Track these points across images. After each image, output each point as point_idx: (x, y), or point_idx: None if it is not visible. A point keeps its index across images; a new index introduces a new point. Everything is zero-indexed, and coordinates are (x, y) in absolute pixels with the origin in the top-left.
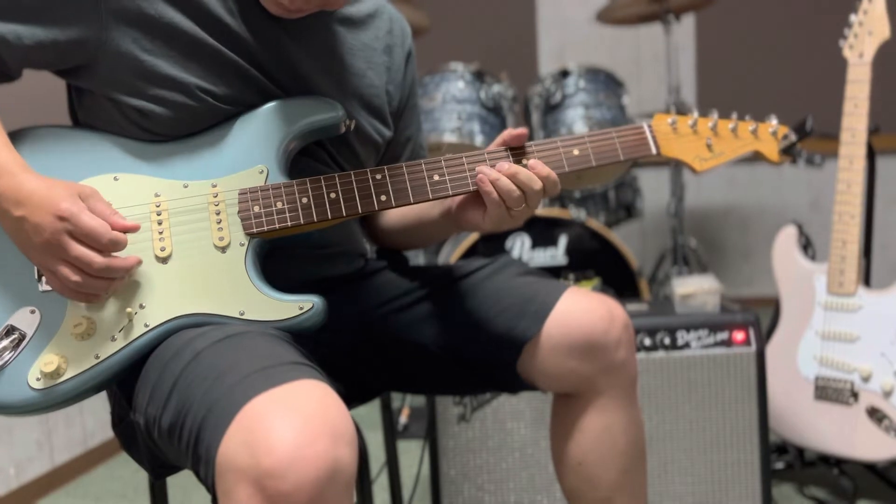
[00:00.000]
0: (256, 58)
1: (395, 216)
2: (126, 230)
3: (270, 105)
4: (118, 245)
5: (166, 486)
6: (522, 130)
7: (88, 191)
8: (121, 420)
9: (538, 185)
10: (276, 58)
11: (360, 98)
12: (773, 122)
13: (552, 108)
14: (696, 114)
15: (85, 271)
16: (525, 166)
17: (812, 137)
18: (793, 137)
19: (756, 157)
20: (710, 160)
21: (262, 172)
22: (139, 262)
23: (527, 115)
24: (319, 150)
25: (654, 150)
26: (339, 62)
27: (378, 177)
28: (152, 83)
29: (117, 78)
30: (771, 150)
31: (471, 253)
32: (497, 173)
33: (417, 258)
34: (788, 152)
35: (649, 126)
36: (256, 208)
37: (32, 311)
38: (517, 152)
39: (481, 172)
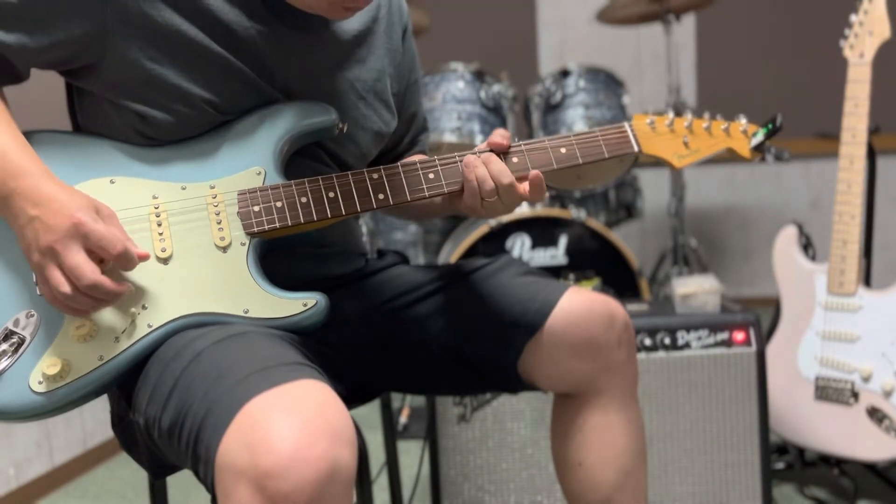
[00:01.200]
0: (264, 62)
1: None
2: (139, 257)
3: (265, 109)
4: (128, 258)
5: (166, 485)
6: (503, 142)
7: (107, 211)
8: (121, 420)
9: (507, 179)
10: (283, 60)
11: (364, 85)
12: (743, 120)
13: (552, 108)
14: (671, 114)
15: (74, 284)
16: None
17: (812, 136)
18: (761, 136)
19: (730, 155)
20: (687, 157)
21: (259, 174)
22: (130, 291)
23: (527, 114)
24: (317, 149)
25: (635, 148)
26: (343, 51)
27: (375, 176)
28: (156, 91)
29: (121, 83)
30: (742, 146)
31: (471, 253)
32: (480, 161)
33: (417, 258)
34: (759, 149)
35: (630, 125)
36: (256, 208)
37: (30, 315)
38: (508, 151)
39: (468, 161)
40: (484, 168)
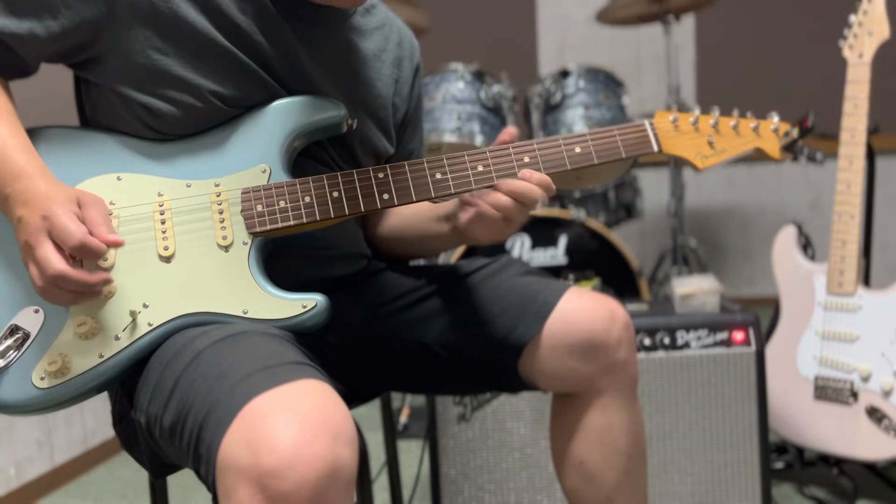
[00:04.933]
0: (267, 61)
1: (391, 228)
2: (108, 243)
3: (273, 104)
4: (87, 250)
5: (166, 485)
6: (511, 130)
7: (89, 198)
8: (122, 419)
9: (537, 193)
10: (287, 62)
11: (367, 108)
12: (775, 119)
13: (552, 109)
14: (697, 111)
15: (42, 276)
16: (516, 174)
17: (812, 136)
18: (794, 134)
19: (758, 155)
20: (711, 157)
21: (264, 171)
22: (106, 281)
23: (527, 115)
24: (321, 151)
25: (655, 148)
26: (350, 71)
27: (381, 175)
28: (162, 82)
29: (127, 73)
30: (772, 147)
31: (471, 253)
32: (496, 196)
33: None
34: (790, 149)
35: (651, 123)
36: (259, 207)
37: (36, 311)
38: (519, 150)
39: (480, 202)
40: (506, 198)
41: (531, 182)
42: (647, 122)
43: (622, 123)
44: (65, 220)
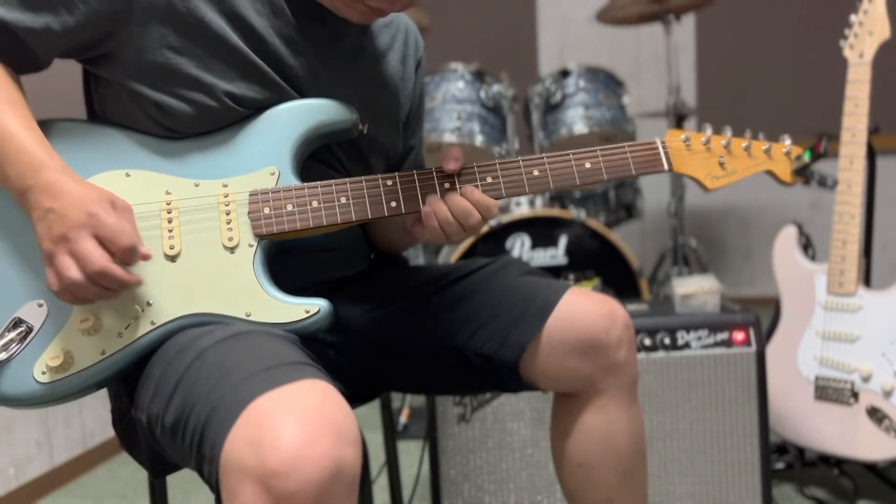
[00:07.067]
0: (281, 63)
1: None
2: (142, 256)
3: (284, 106)
4: (132, 254)
5: (166, 485)
6: (455, 166)
7: (122, 203)
8: (122, 417)
9: (475, 218)
10: (300, 64)
11: (378, 106)
12: (787, 142)
13: (552, 108)
14: (709, 131)
15: (83, 270)
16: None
17: (809, 137)
18: (806, 159)
19: (768, 177)
20: (722, 178)
21: (273, 174)
22: (139, 283)
23: (527, 114)
24: (330, 155)
25: (666, 167)
26: (359, 70)
27: (389, 183)
28: (175, 81)
29: (140, 70)
30: (784, 170)
31: (471, 253)
32: (440, 205)
33: (418, 258)
34: (801, 173)
35: (662, 142)
36: (266, 210)
37: (40, 305)
38: (529, 163)
39: (428, 211)
40: (446, 211)
41: (469, 199)
42: (658, 141)
43: (622, 123)
44: (116, 221)
